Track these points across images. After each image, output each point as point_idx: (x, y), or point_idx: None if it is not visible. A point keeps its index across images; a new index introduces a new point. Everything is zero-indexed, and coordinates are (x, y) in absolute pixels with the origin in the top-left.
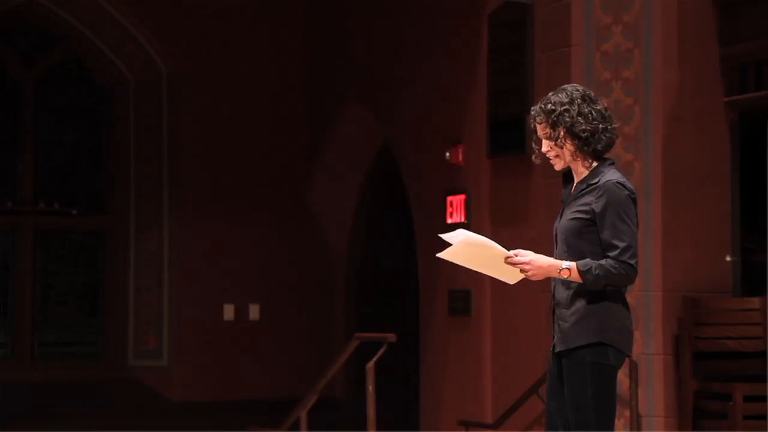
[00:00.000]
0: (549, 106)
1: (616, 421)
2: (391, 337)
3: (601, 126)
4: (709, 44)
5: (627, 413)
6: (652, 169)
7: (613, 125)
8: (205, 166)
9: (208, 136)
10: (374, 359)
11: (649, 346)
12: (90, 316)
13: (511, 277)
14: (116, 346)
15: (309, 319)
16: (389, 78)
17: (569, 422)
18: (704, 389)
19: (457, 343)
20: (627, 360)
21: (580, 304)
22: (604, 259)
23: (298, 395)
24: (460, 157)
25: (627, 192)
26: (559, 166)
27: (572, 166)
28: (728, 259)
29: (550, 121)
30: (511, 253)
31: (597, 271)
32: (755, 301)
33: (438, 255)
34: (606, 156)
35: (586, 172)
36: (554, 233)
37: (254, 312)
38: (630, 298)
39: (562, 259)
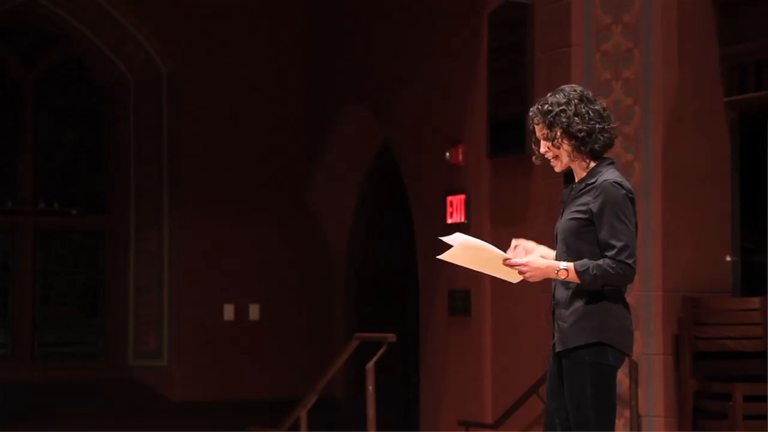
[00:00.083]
0: (546, 106)
1: (616, 421)
2: (391, 337)
3: (598, 126)
4: (709, 44)
5: (627, 413)
6: (652, 169)
7: (612, 125)
8: (205, 166)
9: (208, 136)
10: (374, 359)
11: (649, 346)
12: (90, 316)
13: (512, 276)
14: (116, 346)
15: (309, 319)
16: (389, 78)
17: (569, 422)
18: (704, 389)
19: (457, 343)
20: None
21: (579, 304)
22: (602, 259)
23: (298, 395)
24: (460, 157)
25: (624, 191)
26: (558, 167)
27: (572, 166)
28: (728, 259)
29: (547, 121)
30: (512, 244)
31: (594, 272)
32: (755, 301)
33: (438, 257)
34: (606, 156)
35: (585, 173)
36: (555, 233)
37: (254, 312)
38: (630, 298)
39: (561, 260)
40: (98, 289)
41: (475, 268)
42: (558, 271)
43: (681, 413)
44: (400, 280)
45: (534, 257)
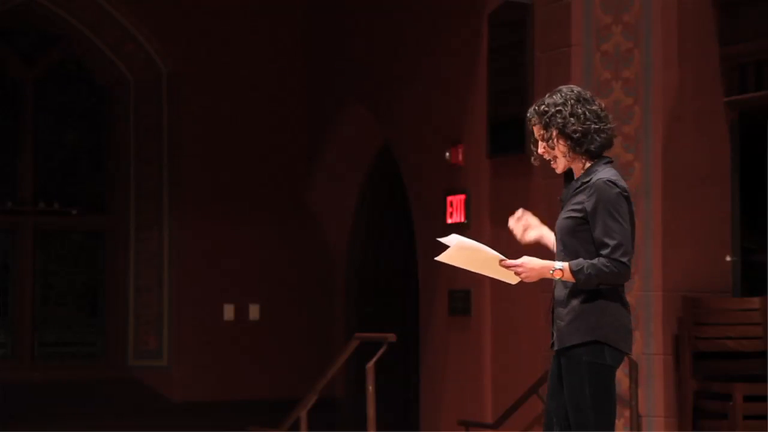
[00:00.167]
0: (542, 107)
1: (616, 421)
2: (391, 337)
3: (594, 126)
4: (709, 44)
5: (627, 413)
6: (652, 169)
7: (609, 125)
8: (205, 166)
9: (208, 136)
10: (374, 359)
11: (649, 346)
12: (90, 316)
13: (510, 277)
14: (116, 346)
15: (309, 319)
16: (389, 78)
17: (568, 422)
18: (704, 389)
19: (457, 343)
20: (627, 360)
21: (576, 302)
22: (597, 258)
23: (298, 395)
24: (460, 157)
25: (618, 190)
26: (559, 168)
27: (572, 166)
28: (728, 259)
29: (543, 122)
30: (517, 214)
31: (588, 270)
32: (755, 301)
33: (436, 258)
34: (606, 155)
35: (582, 172)
36: (555, 232)
37: (254, 312)
38: (630, 298)
39: (560, 258)
40: (98, 289)
41: (472, 270)
42: (553, 271)
43: (681, 413)
44: (400, 280)
45: (529, 257)
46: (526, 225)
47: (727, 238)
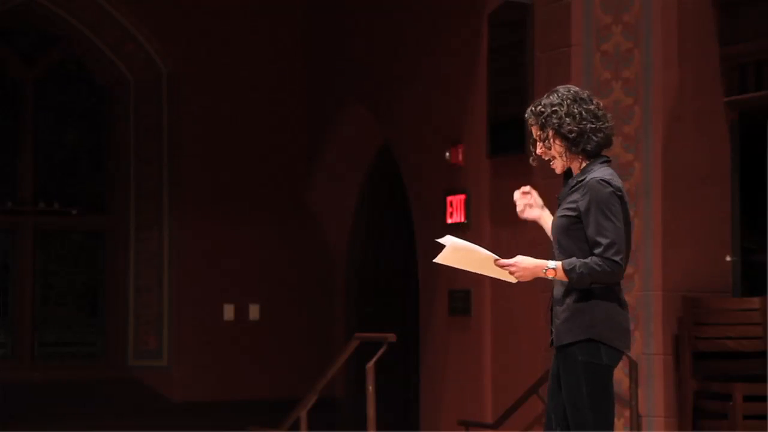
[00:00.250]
0: (539, 108)
1: (616, 420)
2: (391, 337)
3: (590, 126)
4: (709, 44)
5: (627, 413)
6: (652, 169)
7: (607, 125)
8: (205, 166)
9: (208, 136)
10: (374, 359)
11: (649, 346)
12: (90, 316)
13: (508, 276)
14: (116, 346)
15: (309, 319)
16: (389, 78)
17: (567, 422)
18: (704, 389)
19: (457, 343)
20: (627, 360)
21: (570, 301)
22: (590, 257)
23: (298, 395)
24: (460, 157)
25: (611, 189)
26: (557, 169)
27: (570, 166)
28: (728, 259)
29: (539, 122)
30: (523, 188)
31: (581, 270)
32: (755, 301)
33: (434, 260)
34: (605, 155)
35: (579, 171)
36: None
37: (254, 312)
38: (630, 298)
39: (555, 257)
40: (98, 289)
41: (471, 270)
42: (546, 270)
43: (681, 413)
44: (400, 280)
45: (522, 257)
46: (529, 202)
47: (727, 238)
